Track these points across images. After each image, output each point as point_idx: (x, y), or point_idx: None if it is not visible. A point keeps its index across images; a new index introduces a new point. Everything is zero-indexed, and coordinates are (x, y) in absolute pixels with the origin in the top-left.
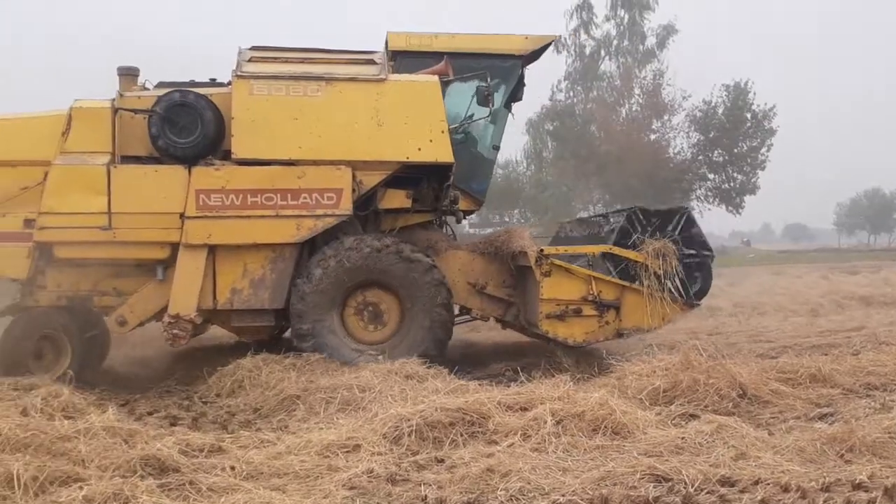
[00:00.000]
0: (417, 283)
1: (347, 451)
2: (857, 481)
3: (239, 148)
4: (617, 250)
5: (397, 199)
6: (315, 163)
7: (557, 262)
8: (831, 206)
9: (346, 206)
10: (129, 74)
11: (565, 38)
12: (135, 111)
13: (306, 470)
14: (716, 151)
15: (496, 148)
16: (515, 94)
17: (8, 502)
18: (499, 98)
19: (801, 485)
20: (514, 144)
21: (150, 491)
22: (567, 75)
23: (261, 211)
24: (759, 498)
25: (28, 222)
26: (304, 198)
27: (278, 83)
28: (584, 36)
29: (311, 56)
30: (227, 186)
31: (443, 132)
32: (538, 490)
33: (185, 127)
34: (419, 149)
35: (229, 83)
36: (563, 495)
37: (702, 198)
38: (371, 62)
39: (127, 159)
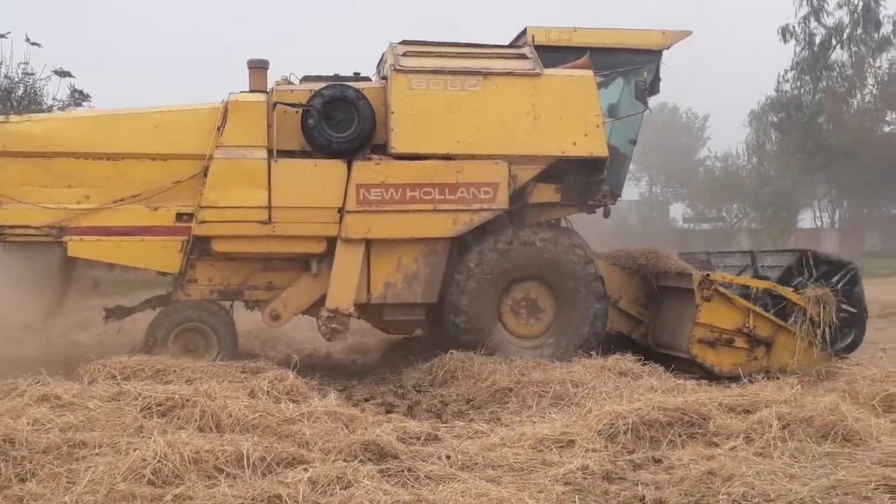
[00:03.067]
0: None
1: (561, 447)
2: None
3: (398, 142)
4: (780, 289)
5: (546, 193)
6: (472, 157)
7: (721, 289)
8: None
9: (502, 201)
10: (259, 67)
11: (793, 27)
12: (291, 105)
13: (520, 463)
14: None
15: (633, 142)
16: (652, 89)
17: (238, 480)
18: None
19: None
20: (734, 137)
21: (371, 476)
22: (794, 65)
23: (419, 205)
24: None
25: (181, 216)
26: (462, 192)
27: (437, 78)
28: (813, 23)
29: (463, 51)
30: (386, 181)
31: (598, 126)
32: (763, 496)
33: (342, 121)
34: (574, 143)
35: (384, 78)
36: (789, 503)
37: None
38: (524, 56)
39: (280, 153)
